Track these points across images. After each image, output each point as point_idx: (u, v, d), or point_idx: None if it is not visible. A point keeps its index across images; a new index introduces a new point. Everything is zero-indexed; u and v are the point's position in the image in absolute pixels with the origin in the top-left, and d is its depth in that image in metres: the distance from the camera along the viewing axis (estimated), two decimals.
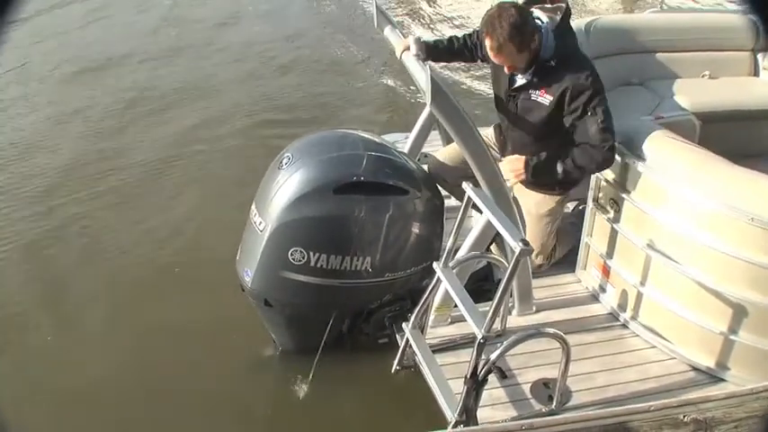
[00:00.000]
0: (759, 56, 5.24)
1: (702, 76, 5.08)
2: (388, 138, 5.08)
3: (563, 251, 4.65)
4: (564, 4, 4.02)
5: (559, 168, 3.97)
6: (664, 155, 3.94)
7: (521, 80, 4.04)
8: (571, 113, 3.91)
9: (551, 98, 3.95)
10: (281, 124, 7.60)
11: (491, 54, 3.91)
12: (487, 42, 3.86)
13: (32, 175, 6.73)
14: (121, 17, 10.92)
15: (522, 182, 4.21)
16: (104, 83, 8.77)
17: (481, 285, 4.31)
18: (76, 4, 11.20)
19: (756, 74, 5.25)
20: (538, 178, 4.09)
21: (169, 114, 7.94)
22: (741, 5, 5.80)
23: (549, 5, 4.00)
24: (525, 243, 3.19)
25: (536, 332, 3.63)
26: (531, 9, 3.99)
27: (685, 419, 2.82)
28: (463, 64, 7.40)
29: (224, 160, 6.97)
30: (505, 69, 4.02)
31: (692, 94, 4.70)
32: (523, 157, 4.06)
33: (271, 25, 10.67)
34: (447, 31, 10.08)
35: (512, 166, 4.04)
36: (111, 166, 6.86)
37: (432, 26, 10.51)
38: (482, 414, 3.52)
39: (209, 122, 7.73)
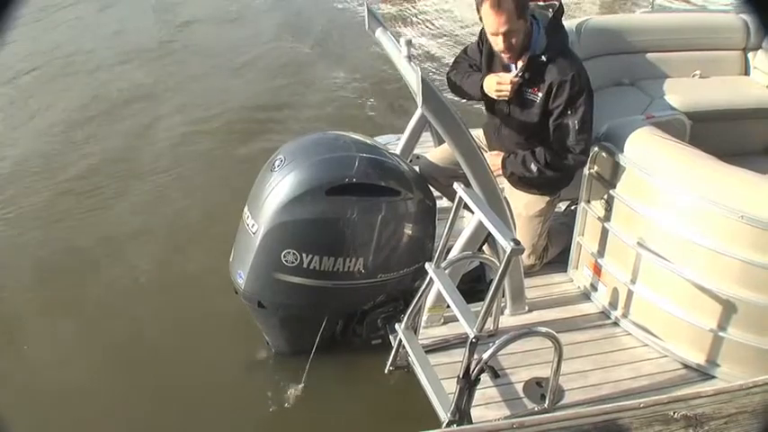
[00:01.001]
0: (749, 55, 5.28)
1: (693, 76, 5.12)
2: (381, 139, 5.11)
3: (555, 251, 4.67)
4: (557, 2, 4.04)
5: (534, 167, 4.05)
6: (654, 154, 3.96)
7: (513, 71, 4.02)
8: (554, 110, 3.96)
9: (541, 94, 3.97)
10: (272, 124, 7.66)
11: (491, 13, 3.78)
12: (488, 3, 3.76)
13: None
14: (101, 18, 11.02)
15: (511, 182, 4.26)
16: (73, 84, 8.83)
17: (474, 286, 4.30)
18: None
19: (747, 73, 5.28)
20: (514, 175, 4.17)
21: (155, 114, 8.01)
22: (737, 4, 5.82)
23: (541, 2, 4.01)
24: (516, 242, 3.20)
25: (528, 331, 3.64)
26: None
27: (675, 416, 2.82)
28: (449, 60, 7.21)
29: (214, 161, 6.98)
30: (502, 45, 3.90)
31: (682, 93, 4.73)
32: (502, 153, 4.10)
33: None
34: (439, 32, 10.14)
35: (491, 162, 4.08)
36: (95, 168, 6.92)
37: (424, 28, 10.52)
38: (475, 413, 3.54)
39: (197, 122, 7.79)
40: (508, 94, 4.00)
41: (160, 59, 9.45)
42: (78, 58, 9.52)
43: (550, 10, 4.01)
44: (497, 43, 3.92)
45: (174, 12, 11.16)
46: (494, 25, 3.84)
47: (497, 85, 4.00)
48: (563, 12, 4.07)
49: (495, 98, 4.07)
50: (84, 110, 8.09)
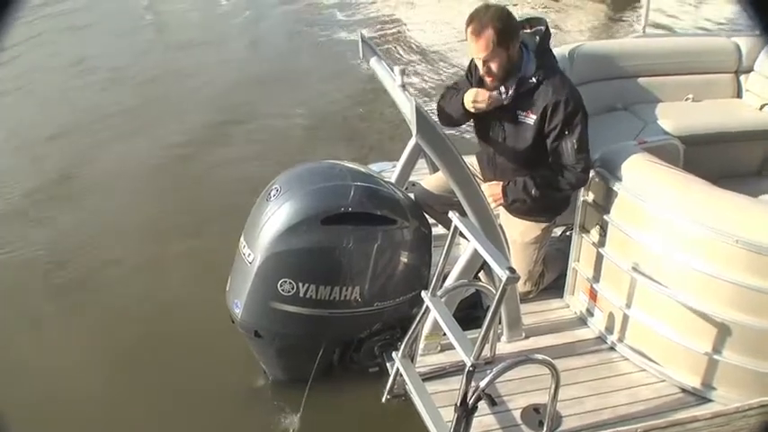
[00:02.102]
0: (741, 77, 5.33)
1: (686, 100, 5.16)
2: (375, 167, 5.13)
3: (551, 278, 4.67)
4: (542, 27, 4.08)
5: (535, 191, 4.05)
6: (647, 179, 3.98)
7: (505, 98, 4.04)
8: (550, 132, 3.97)
9: (536, 117, 3.99)
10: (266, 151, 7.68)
11: (472, 38, 3.86)
12: (470, 28, 3.85)
13: None
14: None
15: (507, 209, 4.26)
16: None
17: (470, 313, 4.30)
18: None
19: (739, 95, 5.33)
20: (516, 202, 4.15)
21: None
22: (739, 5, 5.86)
23: (527, 30, 4.05)
24: (512, 270, 3.20)
25: (525, 359, 3.62)
26: None
27: None
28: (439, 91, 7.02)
29: (211, 189, 6.99)
30: (482, 70, 3.97)
31: (675, 117, 4.76)
32: (501, 182, 4.12)
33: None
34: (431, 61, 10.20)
35: (491, 192, 4.10)
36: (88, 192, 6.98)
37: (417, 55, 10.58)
38: None
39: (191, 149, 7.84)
40: (484, 106, 4.03)
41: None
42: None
43: (537, 37, 4.04)
44: (480, 67, 3.99)
45: None
46: (473, 51, 3.93)
47: (475, 95, 4.04)
48: (550, 35, 4.11)
49: (472, 110, 4.08)
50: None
